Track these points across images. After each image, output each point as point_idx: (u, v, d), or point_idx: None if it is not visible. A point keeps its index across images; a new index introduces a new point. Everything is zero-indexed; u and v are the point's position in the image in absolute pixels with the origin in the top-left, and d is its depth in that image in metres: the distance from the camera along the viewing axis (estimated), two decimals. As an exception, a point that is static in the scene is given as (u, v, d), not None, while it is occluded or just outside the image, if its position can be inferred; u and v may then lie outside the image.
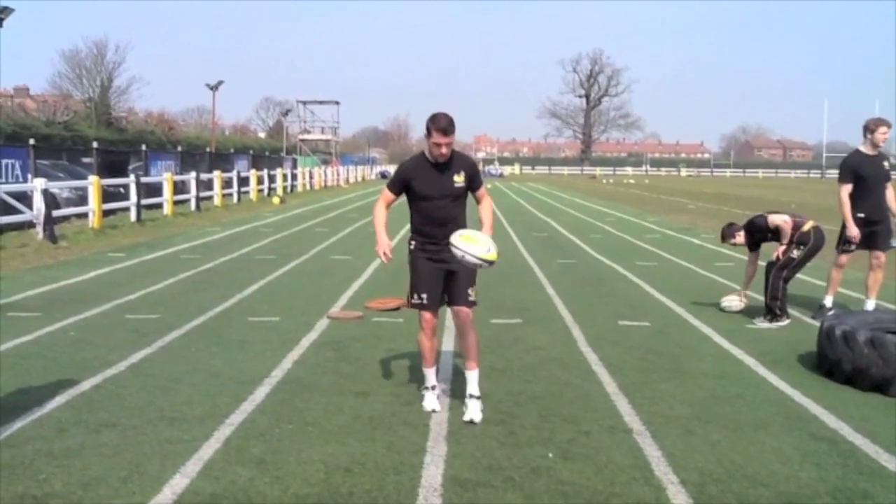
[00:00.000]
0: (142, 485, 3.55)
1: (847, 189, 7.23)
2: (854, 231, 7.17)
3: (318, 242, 14.02)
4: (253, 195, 27.52)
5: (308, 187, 37.60)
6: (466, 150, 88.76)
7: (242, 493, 3.49)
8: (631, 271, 10.69)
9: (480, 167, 4.99)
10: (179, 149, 29.05)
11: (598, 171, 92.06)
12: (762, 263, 7.63)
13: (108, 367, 5.49)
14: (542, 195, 35.62)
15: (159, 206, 19.48)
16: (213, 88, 52.35)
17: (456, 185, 4.54)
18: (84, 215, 15.64)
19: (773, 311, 7.20)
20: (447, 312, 4.85)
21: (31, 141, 16.77)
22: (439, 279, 4.57)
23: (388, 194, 4.68)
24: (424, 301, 4.58)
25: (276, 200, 26.56)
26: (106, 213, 16.12)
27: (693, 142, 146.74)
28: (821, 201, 29.20)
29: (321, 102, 65.12)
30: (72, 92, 52.50)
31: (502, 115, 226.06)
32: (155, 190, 19.72)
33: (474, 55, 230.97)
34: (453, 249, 4.24)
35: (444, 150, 4.42)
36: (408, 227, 4.83)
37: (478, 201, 4.72)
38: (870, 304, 7.41)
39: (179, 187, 20.93)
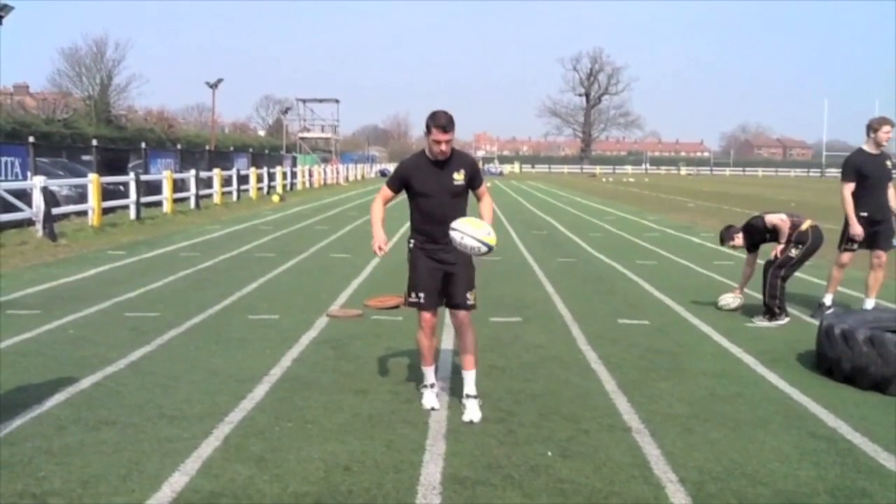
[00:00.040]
0: (141, 482, 3.55)
1: (849, 187, 7.23)
2: (857, 229, 7.16)
3: (318, 240, 14.02)
4: (252, 193, 27.50)
5: (307, 185, 37.59)
6: (466, 148, 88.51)
7: (242, 491, 3.49)
8: (630, 270, 10.69)
9: (480, 165, 4.99)
10: (179, 147, 28.99)
11: (597, 169, 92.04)
12: (760, 262, 7.63)
13: (108, 365, 5.49)
14: (542, 193, 35.62)
15: (159, 204, 19.47)
16: (213, 86, 52.26)
17: (455, 182, 4.54)
18: (83, 213, 15.63)
19: (771, 309, 7.20)
20: (447, 312, 4.85)
21: (31, 139, 16.78)
22: (438, 279, 4.57)
23: (386, 191, 4.69)
24: (421, 300, 4.58)
25: (275, 198, 26.54)
26: (105, 211, 16.11)
27: (693, 140, 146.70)
28: (820, 200, 29.22)
29: (321, 100, 65.13)
30: (71, 90, 52.57)
31: (502, 114, 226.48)
32: (154, 188, 19.71)
33: (474, 53, 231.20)
34: (452, 233, 4.24)
35: (443, 147, 4.43)
36: (407, 225, 4.83)
37: (478, 199, 4.73)
38: (869, 303, 7.42)
39: (179, 185, 20.92)
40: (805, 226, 7.27)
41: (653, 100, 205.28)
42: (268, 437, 4.15)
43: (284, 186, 32.07)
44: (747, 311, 7.63)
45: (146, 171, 20.89)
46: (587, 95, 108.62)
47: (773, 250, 7.39)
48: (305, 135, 64.29)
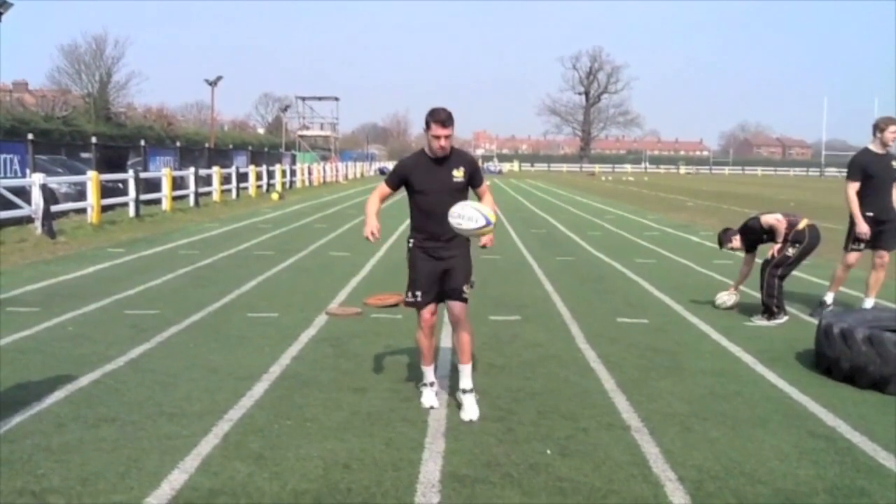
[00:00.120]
0: (140, 480, 3.55)
1: (854, 187, 7.24)
2: (864, 227, 7.15)
3: (317, 238, 14.02)
4: (252, 191, 27.50)
5: (307, 183, 37.59)
6: (465, 146, 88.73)
7: (241, 489, 3.49)
8: (630, 268, 10.69)
9: (479, 164, 4.97)
10: (178, 144, 28.97)
11: (597, 168, 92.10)
12: (758, 261, 7.63)
13: (107, 363, 5.49)
14: (541, 192, 35.62)
15: (158, 201, 19.47)
16: (212, 84, 52.24)
17: (455, 179, 4.54)
18: (83, 210, 15.63)
19: (770, 308, 7.21)
20: (446, 311, 4.85)
21: (30, 136, 16.71)
22: (436, 278, 4.57)
23: (384, 188, 4.70)
24: (419, 299, 4.58)
25: (274, 196, 26.54)
26: (104, 209, 16.11)
27: (692, 139, 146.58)
28: (820, 199, 29.23)
29: (320, 98, 65.07)
30: (70, 87, 52.53)
31: (502, 112, 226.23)
32: (154, 185, 19.71)
33: (474, 52, 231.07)
34: (451, 210, 4.27)
35: (442, 142, 4.43)
36: (407, 222, 4.83)
37: (480, 198, 4.73)
38: (868, 303, 7.42)
39: (178, 183, 20.91)
40: (802, 225, 7.28)
41: (652, 99, 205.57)
42: (267, 435, 4.15)
43: (284, 184, 32.07)
44: (746, 310, 7.63)
45: (145, 169, 20.86)
46: (587, 94, 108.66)
47: (770, 249, 7.39)
48: (305, 133, 64.23)
